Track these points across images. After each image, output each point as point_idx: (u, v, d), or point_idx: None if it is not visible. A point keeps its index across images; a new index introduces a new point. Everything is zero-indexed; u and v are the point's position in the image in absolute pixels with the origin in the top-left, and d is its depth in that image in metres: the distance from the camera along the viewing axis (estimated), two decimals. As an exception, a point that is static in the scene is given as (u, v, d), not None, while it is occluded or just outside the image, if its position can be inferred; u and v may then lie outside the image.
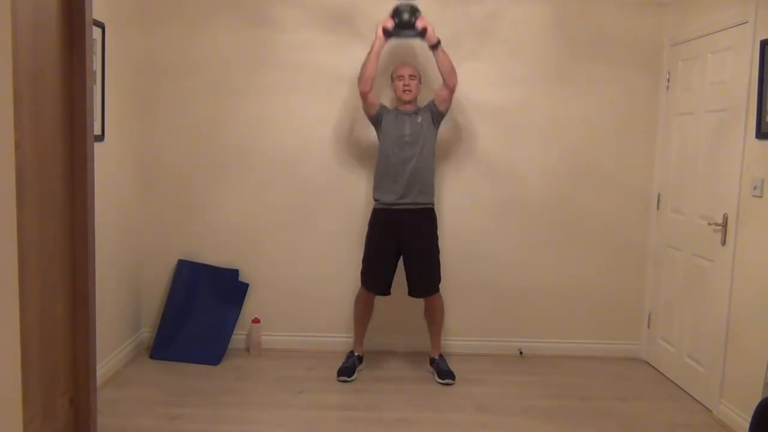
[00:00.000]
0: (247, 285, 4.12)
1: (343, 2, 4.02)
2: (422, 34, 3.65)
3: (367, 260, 3.79)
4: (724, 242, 3.35)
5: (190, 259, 4.14)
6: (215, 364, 3.89)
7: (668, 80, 4.03)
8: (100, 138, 3.43)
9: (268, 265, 4.17)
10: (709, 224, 3.48)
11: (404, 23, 3.63)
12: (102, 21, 3.38)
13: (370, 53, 3.64)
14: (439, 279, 3.78)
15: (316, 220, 4.15)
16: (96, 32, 3.32)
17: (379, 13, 3.84)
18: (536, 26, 4.07)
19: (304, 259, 4.17)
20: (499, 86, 4.09)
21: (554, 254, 4.20)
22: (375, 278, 3.76)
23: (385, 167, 3.70)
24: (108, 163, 3.56)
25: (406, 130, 3.67)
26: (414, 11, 3.65)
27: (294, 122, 4.09)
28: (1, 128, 1.36)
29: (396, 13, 3.65)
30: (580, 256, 4.20)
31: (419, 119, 3.70)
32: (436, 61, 3.66)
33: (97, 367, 2.09)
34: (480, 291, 4.21)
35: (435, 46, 3.63)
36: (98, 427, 2.00)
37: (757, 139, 3.11)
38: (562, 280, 4.21)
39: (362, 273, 3.81)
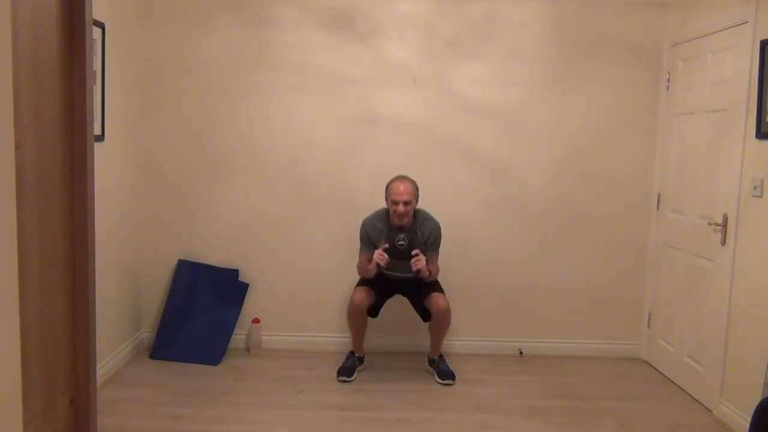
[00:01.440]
0: (247, 285, 4.12)
1: (343, 2, 4.02)
2: (416, 274, 3.63)
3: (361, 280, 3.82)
4: (724, 242, 3.35)
5: (190, 259, 4.14)
6: (215, 364, 3.89)
7: (668, 80, 4.03)
8: (100, 138, 3.43)
9: (268, 265, 4.17)
10: (709, 224, 3.48)
11: (400, 262, 3.61)
12: (102, 21, 3.38)
13: (366, 271, 3.69)
14: (439, 284, 3.80)
15: (316, 220, 4.15)
16: (96, 32, 3.32)
17: (379, 12, 3.85)
18: (536, 26, 4.07)
19: (304, 259, 4.17)
20: (499, 86, 4.09)
21: (554, 254, 4.20)
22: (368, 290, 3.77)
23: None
24: (108, 163, 3.56)
25: (399, 234, 3.66)
26: (410, 250, 3.59)
27: (294, 122, 4.09)
28: (1, 128, 1.36)
29: (392, 251, 3.60)
30: (580, 256, 4.20)
31: (414, 234, 3.70)
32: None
33: (97, 367, 2.09)
34: (480, 291, 4.21)
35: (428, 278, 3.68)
36: (98, 427, 2.00)
37: (757, 139, 3.11)
38: (562, 280, 4.21)
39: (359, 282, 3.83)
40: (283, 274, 4.18)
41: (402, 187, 3.60)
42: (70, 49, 1.79)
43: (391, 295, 3.85)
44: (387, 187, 3.69)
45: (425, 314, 3.79)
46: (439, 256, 3.77)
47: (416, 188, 3.67)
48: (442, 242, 3.78)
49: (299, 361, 3.99)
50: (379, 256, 3.57)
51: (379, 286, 3.76)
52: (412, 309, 3.89)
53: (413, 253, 3.57)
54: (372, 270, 3.63)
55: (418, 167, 3.98)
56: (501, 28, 4.06)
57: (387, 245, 3.59)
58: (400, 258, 3.60)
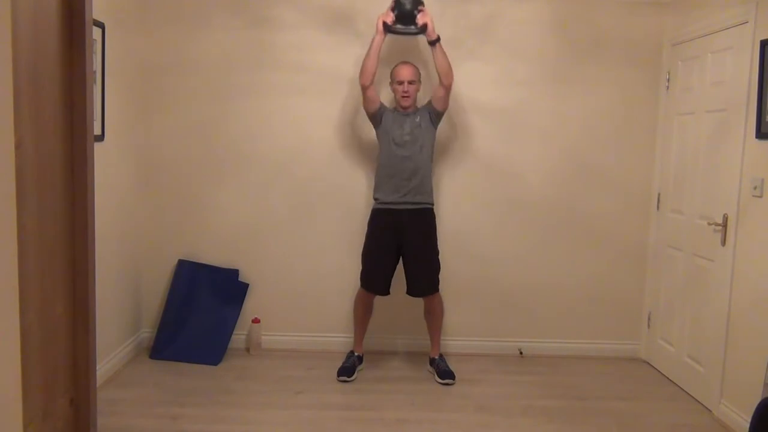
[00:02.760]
0: (247, 285, 4.12)
1: (342, 2, 4.02)
2: (423, 30, 3.64)
3: (366, 259, 3.79)
4: (724, 242, 3.35)
5: (190, 259, 4.14)
6: (215, 364, 3.89)
7: (668, 80, 4.03)
8: (100, 138, 3.43)
9: (268, 265, 4.17)
10: (709, 224, 3.48)
11: (405, 14, 3.61)
12: (102, 21, 3.38)
13: (370, 48, 3.65)
14: (438, 280, 3.78)
15: (316, 220, 4.15)
16: (96, 32, 3.32)
17: (379, 12, 3.84)
18: (536, 26, 4.07)
19: (304, 259, 4.17)
20: (499, 86, 4.09)
21: (554, 254, 4.20)
22: (375, 278, 3.76)
23: (385, 167, 3.71)
24: (108, 163, 3.56)
25: (405, 129, 3.68)
26: (416, 3, 3.62)
27: (294, 122, 4.09)
28: (1, 128, 1.36)
29: (397, 4, 3.62)
30: (580, 256, 4.20)
31: (418, 119, 3.70)
32: (434, 57, 3.66)
33: (97, 367, 2.09)
34: (480, 291, 4.21)
35: (434, 42, 3.63)
36: (98, 427, 2.00)
37: (757, 139, 3.11)
38: (562, 280, 4.21)
39: (362, 273, 3.81)
40: (283, 274, 4.18)
41: (405, 68, 3.70)
42: (70, 49, 1.79)
43: (396, 260, 3.75)
44: (391, 73, 3.77)
45: (413, 286, 3.75)
46: (439, 249, 3.77)
47: (418, 71, 3.75)
48: (440, 235, 3.79)
49: (299, 361, 3.99)
50: (385, 15, 3.62)
51: (384, 249, 3.71)
52: (412, 308, 3.89)
53: (419, 8, 3.61)
54: (378, 41, 3.63)
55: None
56: (501, 28, 4.06)
57: (392, 15, 3.62)
58: (405, 19, 3.64)
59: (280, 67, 4.05)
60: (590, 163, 4.15)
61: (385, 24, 3.63)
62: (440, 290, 3.80)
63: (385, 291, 3.78)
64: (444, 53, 3.65)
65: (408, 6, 3.61)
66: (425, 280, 3.75)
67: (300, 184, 4.13)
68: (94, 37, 3.21)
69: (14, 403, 1.43)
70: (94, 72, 3.30)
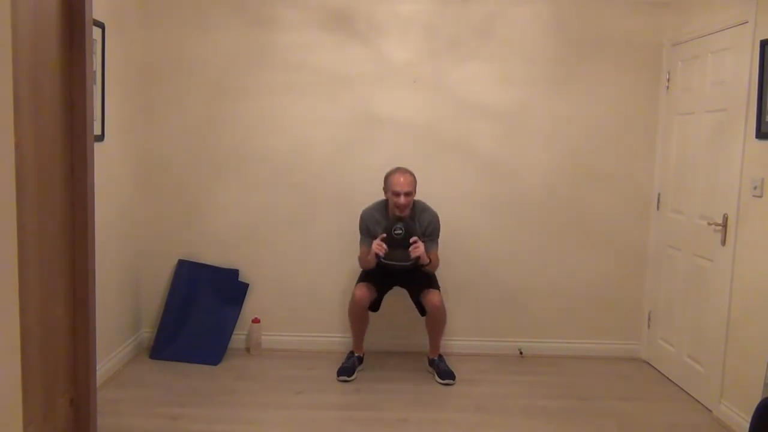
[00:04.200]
0: (247, 285, 4.12)
1: (343, 2, 4.02)
2: (416, 261, 3.60)
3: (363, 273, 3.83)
4: (724, 242, 3.35)
5: (190, 259, 4.14)
6: (215, 364, 3.89)
7: (668, 80, 4.03)
8: (100, 138, 3.43)
9: (268, 265, 4.17)
10: (709, 224, 3.48)
11: (399, 247, 3.58)
12: (102, 21, 3.38)
13: (365, 260, 3.69)
14: (435, 278, 3.79)
15: (316, 220, 4.15)
16: (96, 32, 3.32)
17: (379, 12, 3.85)
18: (536, 26, 4.07)
19: (304, 259, 4.18)
20: (499, 86, 4.09)
21: (554, 254, 4.20)
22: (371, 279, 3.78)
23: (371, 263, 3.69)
24: (108, 163, 3.56)
25: (396, 229, 3.62)
26: (409, 235, 3.57)
27: (294, 122, 4.09)
28: (1, 128, 1.36)
29: (391, 239, 3.58)
30: (580, 256, 4.20)
31: (413, 222, 3.69)
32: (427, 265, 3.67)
33: (97, 367, 2.09)
34: (480, 291, 4.21)
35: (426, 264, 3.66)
36: (98, 427, 2.00)
37: (757, 139, 3.11)
38: (562, 280, 4.21)
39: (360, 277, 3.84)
40: (283, 274, 4.18)
41: (403, 179, 3.62)
42: (70, 49, 1.79)
43: (391, 287, 3.84)
44: (386, 178, 3.70)
45: (422, 308, 3.79)
46: (439, 254, 3.78)
47: (415, 179, 3.69)
48: (441, 236, 3.78)
49: (299, 361, 3.99)
50: (378, 246, 3.58)
51: (379, 279, 3.76)
52: (412, 308, 3.88)
53: (411, 240, 3.57)
54: (372, 261, 3.63)
55: (418, 167, 3.96)
56: (501, 28, 4.06)
57: (384, 235, 3.59)
58: (398, 247, 3.60)
59: (280, 67, 4.05)
60: (590, 163, 4.15)
61: (378, 255, 3.59)
62: (440, 290, 3.79)
63: (376, 307, 3.84)
64: (436, 261, 3.71)
65: (401, 239, 3.58)
66: (425, 280, 3.75)
67: (300, 184, 4.13)
68: (94, 37, 3.21)
69: (14, 403, 1.43)
70: (94, 72, 3.30)
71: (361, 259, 3.76)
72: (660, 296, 4.06)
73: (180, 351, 3.94)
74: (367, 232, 3.72)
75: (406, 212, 3.65)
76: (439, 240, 3.79)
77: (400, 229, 3.59)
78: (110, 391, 3.45)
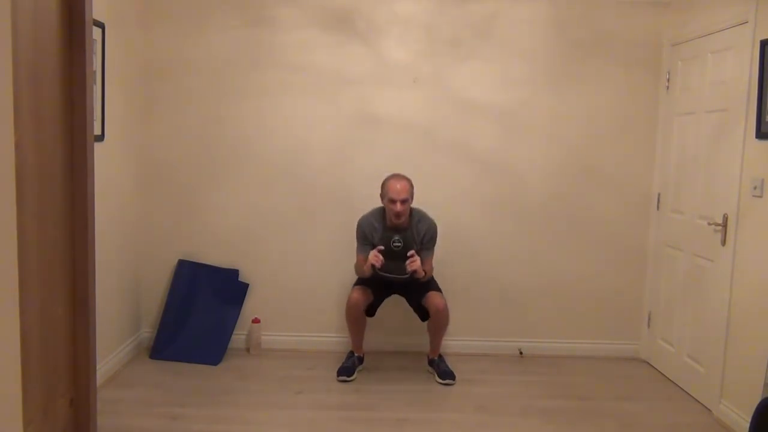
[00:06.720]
0: (247, 285, 4.12)
1: (342, 2, 4.02)
2: (412, 274, 3.60)
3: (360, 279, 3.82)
4: (724, 242, 3.35)
5: (190, 259, 4.14)
6: (215, 364, 3.89)
7: (668, 80, 4.03)
8: (100, 138, 3.43)
9: (268, 265, 4.17)
10: (709, 224, 3.48)
11: (396, 260, 3.58)
12: (102, 21, 3.38)
13: (361, 269, 3.68)
14: (434, 279, 3.79)
15: (316, 220, 4.15)
16: (96, 32, 3.32)
17: (379, 12, 3.84)
18: (536, 26, 4.07)
19: (304, 259, 4.17)
20: (498, 86, 4.09)
21: (554, 254, 4.20)
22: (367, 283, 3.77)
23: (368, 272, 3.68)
24: (108, 163, 3.56)
25: (395, 241, 3.62)
26: (407, 249, 3.57)
27: (294, 122, 4.09)
28: (1, 128, 1.36)
29: (389, 251, 3.58)
30: (580, 256, 4.20)
31: (411, 233, 3.68)
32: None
33: (97, 367, 2.09)
34: (480, 291, 4.21)
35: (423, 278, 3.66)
36: (98, 427, 2.00)
37: (757, 139, 3.11)
38: (563, 280, 4.21)
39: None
40: (283, 274, 4.18)
41: (399, 186, 3.60)
42: (70, 49, 1.79)
43: (388, 295, 3.85)
44: (383, 185, 3.69)
45: (423, 313, 3.79)
46: (439, 255, 3.77)
47: (412, 186, 3.66)
48: (438, 241, 3.77)
49: (299, 361, 3.99)
50: (375, 257, 3.57)
51: (376, 286, 3.76)
52: (411, 308, 3.88)
53: (408, 254, 3.57)
54: (368, 270, 3.63)
55: (418, 167, 3.98)
56: (501, 27, 4.06)
57: (382, 247, 3.59)
58: (395, 259, 3.60)
59: (280, 67, 4.05)
60: (590, 163, 4.15)
61: (374, 266, 3.59)
62: (441, 292, 3.79)
63: (372, 312, 3.82)
64: (430, 270, 3.72)
65: (399, 251, 3.58)
66: (424, 285, 3.74)
67: (300, 184, 4.13)
68: (94, 37, 3.21)
69: (14, 403, 1.43)
70: (94, 72, 3.30)
71: (357, 267, 3.75)
72: (660, 296, 4.06)
73: (180, 351, 3.94)
74: (364, 240, 3.71)
75: (404, 219, 3.64)
76: (437, 244, 3.78)
77: (399, 241, 3.60)
78: (110, 391, 3.45)
